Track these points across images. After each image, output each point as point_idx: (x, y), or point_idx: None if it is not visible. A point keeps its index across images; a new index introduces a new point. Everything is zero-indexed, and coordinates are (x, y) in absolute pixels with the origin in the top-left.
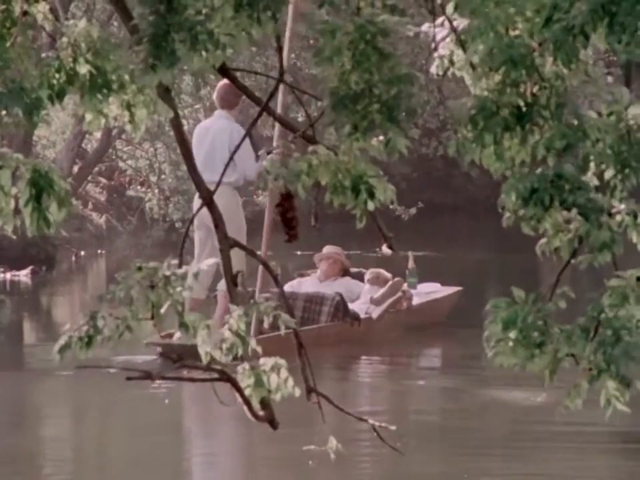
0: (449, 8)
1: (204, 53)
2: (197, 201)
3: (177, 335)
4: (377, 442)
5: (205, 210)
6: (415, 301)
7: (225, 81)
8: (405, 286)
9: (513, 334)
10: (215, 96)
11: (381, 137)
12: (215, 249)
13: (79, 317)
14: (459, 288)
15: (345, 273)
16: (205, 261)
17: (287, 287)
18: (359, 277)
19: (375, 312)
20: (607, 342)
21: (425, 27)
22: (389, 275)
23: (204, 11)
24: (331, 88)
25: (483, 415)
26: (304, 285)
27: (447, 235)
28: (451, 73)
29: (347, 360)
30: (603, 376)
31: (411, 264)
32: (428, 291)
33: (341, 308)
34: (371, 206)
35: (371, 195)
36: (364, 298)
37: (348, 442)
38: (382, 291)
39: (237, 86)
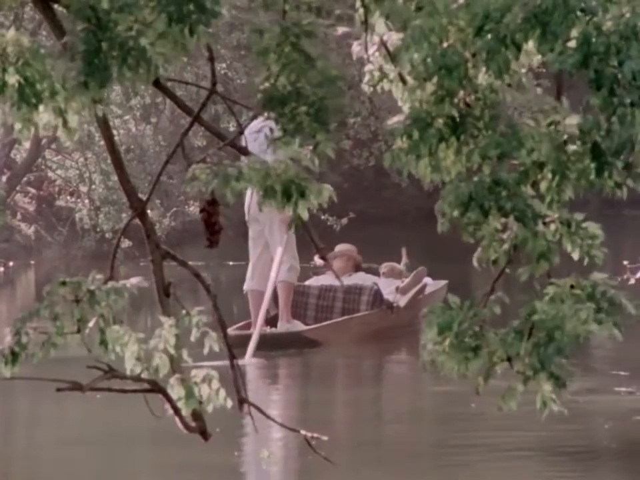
0: (379, 19)
1: (136, 72)
2: (247, 198)
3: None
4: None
5: (256, 205)
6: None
7: None
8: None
9: (448, 338)
10: None
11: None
12: (267, 245)
13: (6, 332)
14: (446, 281)
15: (358, 268)
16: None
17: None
18: (371, 272)
19: (402, 300)
20: (541, 343)
21: (355, 44)
22: (402, 267)
23: (135, 27)
24: (260, 89)
25: (417, 422)
26: (321, 282)
27: (377, 245)
28: (381, 87)
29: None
30: (537, 377)
31: (404, 259)
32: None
33: (378, 296)
34: (304, 215)
35: (302, 195)
36: (382, 290)
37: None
38: (407, 280)
39: (168, 96)
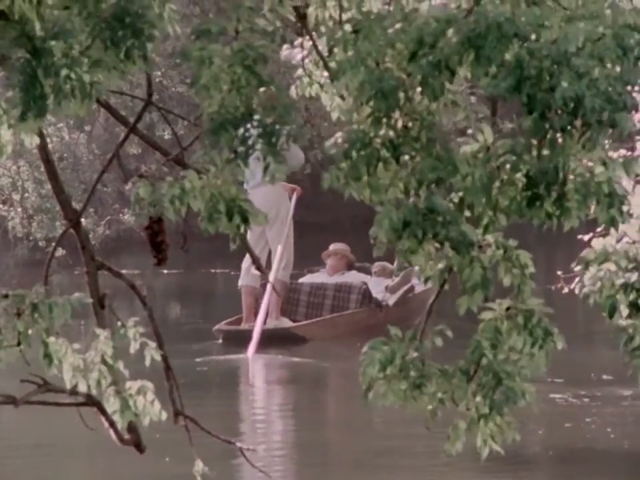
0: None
1: (73, 101)
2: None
3: (245, 322)
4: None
5: (257, 203)
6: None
7: None
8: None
9: (390, 371)
10: None
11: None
12: (267, 244)
13: None
14: None
15: (350, 267)
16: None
17: (302, 280)
18: (363, 270)
19: (391, 299)
20: (488, 385)
21: (285, 48)
22: (394, 267)
23: (71, 54)
24: (209, 113)
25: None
26: (315, 279)
27: (312, 253)
28: (309, 93)
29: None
30: (483, 421)
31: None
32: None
33: (367, 295)
34: (243, 229)
35: (245, 220)
36: (373, 289)
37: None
38: (397, 279)
39: (103, 106)
